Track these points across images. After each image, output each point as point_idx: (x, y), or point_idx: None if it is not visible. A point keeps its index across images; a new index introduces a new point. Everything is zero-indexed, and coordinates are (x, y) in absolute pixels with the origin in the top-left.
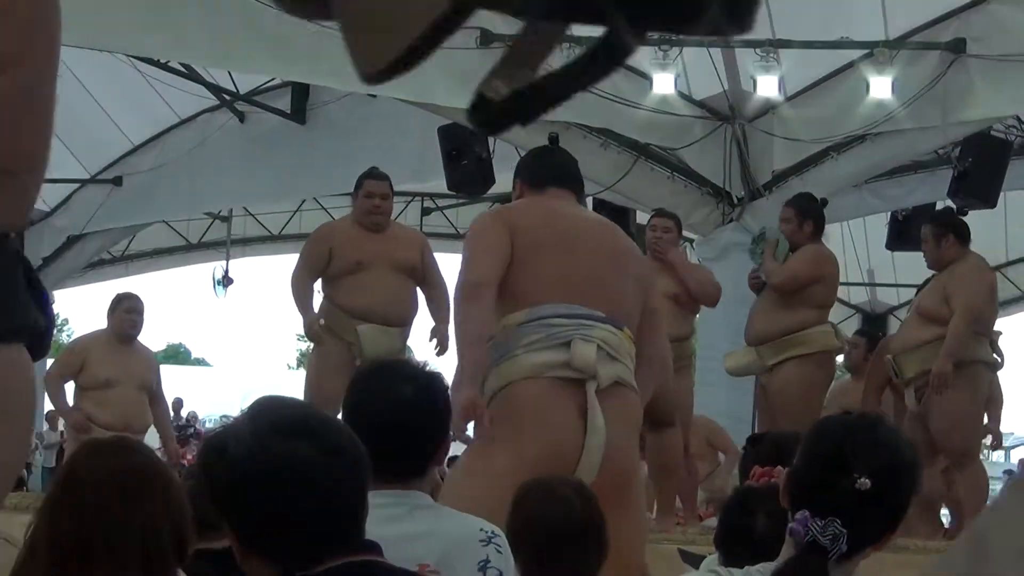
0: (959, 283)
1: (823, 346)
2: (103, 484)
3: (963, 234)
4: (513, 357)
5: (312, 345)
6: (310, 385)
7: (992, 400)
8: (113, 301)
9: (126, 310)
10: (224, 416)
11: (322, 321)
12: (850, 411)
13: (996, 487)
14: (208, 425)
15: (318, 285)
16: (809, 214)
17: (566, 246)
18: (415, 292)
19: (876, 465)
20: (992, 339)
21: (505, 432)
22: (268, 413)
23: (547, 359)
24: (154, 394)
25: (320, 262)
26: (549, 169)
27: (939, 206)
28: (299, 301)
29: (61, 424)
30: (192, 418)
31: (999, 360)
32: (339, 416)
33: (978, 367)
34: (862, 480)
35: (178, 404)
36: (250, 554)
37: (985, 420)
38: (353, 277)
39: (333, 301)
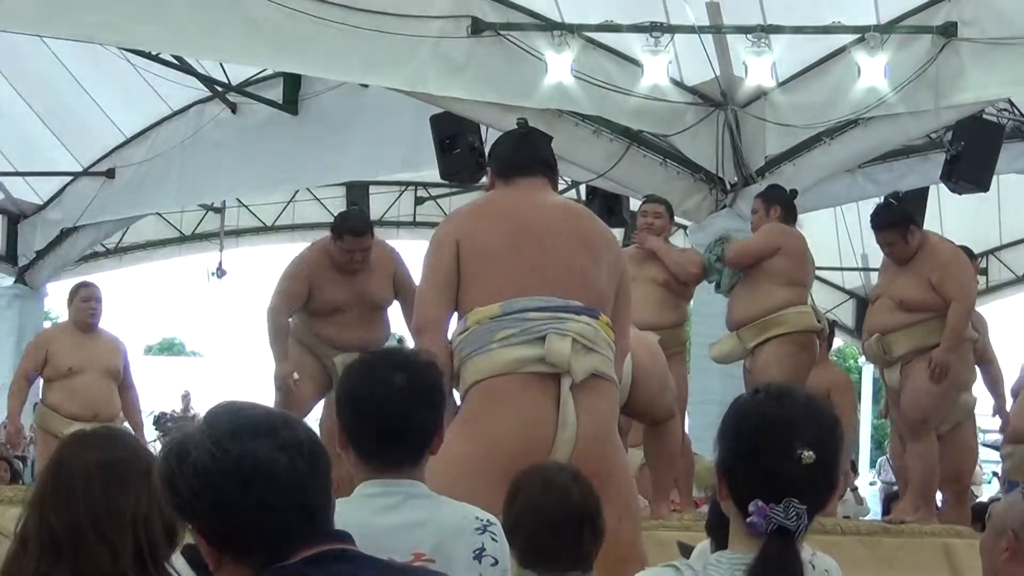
0: (946, 271)
1: (802, 325)
2: (92, 474)
3: (917, 219)
4: (488, 351)
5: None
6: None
7: (994, 380)
8: (71, 291)
9: (83, 299)
10: None
11: (295, 376)
12: (757, 389)
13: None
14: None
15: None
16: (775, 200)
17: (532, 239)
18: (387, 322)
19: (813, 434)
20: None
21: (479, 427)
22: (225, 416)
23: (522, 355)
24: (123, 381)
25: (298, 300)
26: (517, 158)
27: (932, 190)
28: (275, 341)
29: None
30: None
31: (976, 334)
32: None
33: (964, 344)
34: (807, 453)
35: (187, 398)
36: (222, 558)
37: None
38: (336, 315)
39: (311, 329)
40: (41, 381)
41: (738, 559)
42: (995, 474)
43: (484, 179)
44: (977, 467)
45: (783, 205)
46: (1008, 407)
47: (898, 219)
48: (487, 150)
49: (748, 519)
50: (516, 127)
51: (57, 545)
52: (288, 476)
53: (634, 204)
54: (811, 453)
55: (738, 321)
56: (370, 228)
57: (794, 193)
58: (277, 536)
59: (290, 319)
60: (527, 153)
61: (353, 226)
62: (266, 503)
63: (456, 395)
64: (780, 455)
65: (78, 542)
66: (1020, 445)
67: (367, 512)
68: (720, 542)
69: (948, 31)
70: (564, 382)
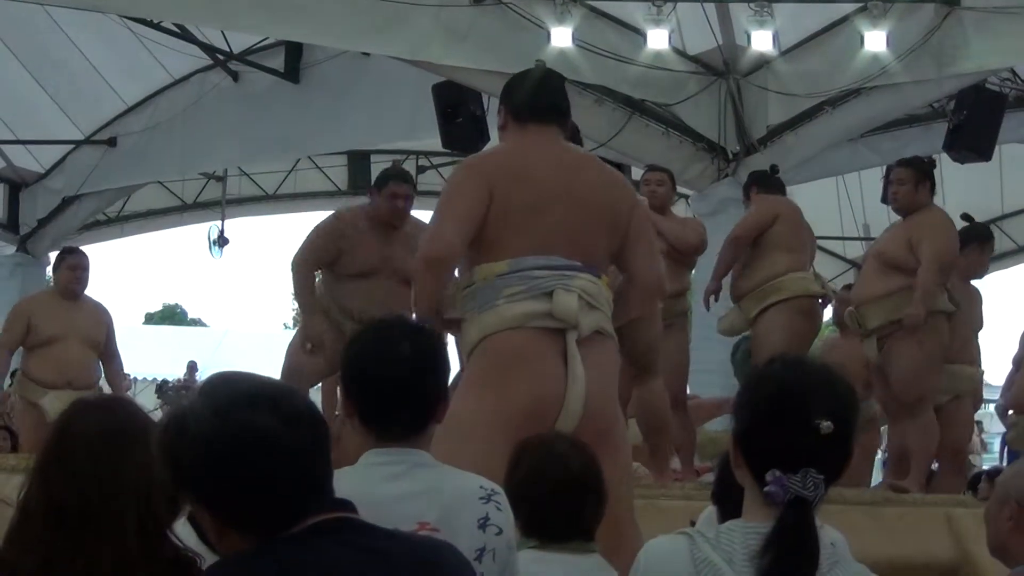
0: (928, 232)
1: (801, 291)
2: (94, 442)
3: (934, 186)
4: (494, 307)
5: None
6: (289, 354)
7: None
8: (57, 257)
9: (69, 267)
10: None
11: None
12: (773, 358)
13: None
14: None
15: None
16: (751, 182)
17: (545, 200)
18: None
19: (830, 404)
20: (948, 289)
21: (489, 381)
22: (223, 388)
23: (529, 309)
24: (105, 350)
25: (327, 257)
26: (533, 103)
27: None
28: (301, 293)
29: None
30: (191, 377)
31: (953, 307)
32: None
33: (940, 316)
34: (826, 424)
35: (192, 367)
36: (224, 529)
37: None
38: (362, 280)
39: (333, 294)
40: (21, 349)
41: (752, 528)
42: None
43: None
44: (974, 437)
45: (758, 183)
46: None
47: (922, 167)
48: (489, 119)
49: (765, 488)
50: (534, 67)
51: (60, 513)
52: (288, 446)
53: (636, 173)
54: (829, 423)
55: (740, 291)
56: (412, 179)
57: (774, 168)
58: (279, 507)
59: (316, 282)
60: (543, 99)
61: (399, 171)
62: (267, 473)
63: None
64: (798, 425)
65: (82, 511)
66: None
67: (372, 481)
68: (727, 511)
69: (951, 0)
70: (570, 337)
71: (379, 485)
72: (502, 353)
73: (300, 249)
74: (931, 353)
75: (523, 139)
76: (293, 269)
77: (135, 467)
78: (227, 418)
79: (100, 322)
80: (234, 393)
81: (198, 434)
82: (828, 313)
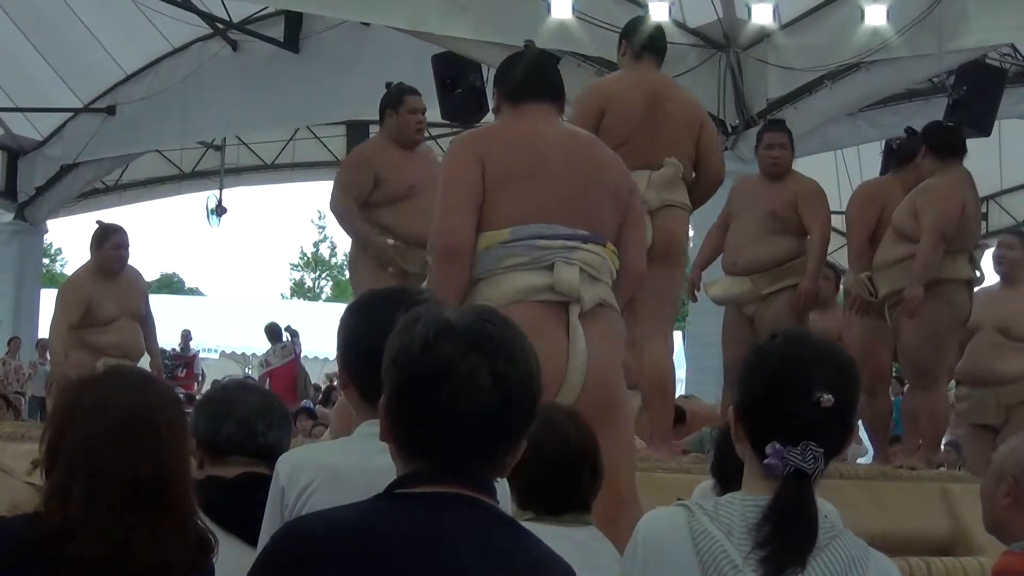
0: (928, 200)
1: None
2: (173, 420)
3: (938, 147)
4: (495, 277)
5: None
6: (363, 287)
7: None
8: (98, 234)
9: (114, 246)
10: (220, 347)
11: (390, 241)
12: (775, 333)
13: None
14: (203, 355)
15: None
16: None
17: (543, 168)
18: None
19: (831, 377)
20: (972, 254)
21: None
22: (492, 328)
23: (531, 282)
24: (143, 317)
25: (363, 189)
26: (526, 83)
27: None
28: (352, 223)
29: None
30: (185, 347)
31: (978, 275)
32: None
33: (949, 285)
34: (826, 397)
35: (187, 336)
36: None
37: None
38: (399, 204)
39: (380, 226)
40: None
41: (751, 500)
42: None
43: (485, 118)
44: None
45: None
46: None
47: (922, 133)
48: (488, 90)
49: (765, 461)
50: (523, 48)
51: (140, 490)
52: (480, 407)
53: None
54: (830, 396)
55: (754, 265)
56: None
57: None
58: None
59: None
60: (537, 78)
61: (406, 86)
62: (457, 415)
63: None
64: (798, 398)
65: (158, 488)
66: (975, 388)
67: (367, 452)
68: (725, 485)
69: None
70: (573, 310)
71: (374, 456)
72: None
73: (333, 193)
74: (938, 325)
75: (518, 115)
76: (335, 210)
77: (186, 447)
78: (455, 350)
79: (140, 291)
80: (483, 337)
81: (423, 341)
82: None
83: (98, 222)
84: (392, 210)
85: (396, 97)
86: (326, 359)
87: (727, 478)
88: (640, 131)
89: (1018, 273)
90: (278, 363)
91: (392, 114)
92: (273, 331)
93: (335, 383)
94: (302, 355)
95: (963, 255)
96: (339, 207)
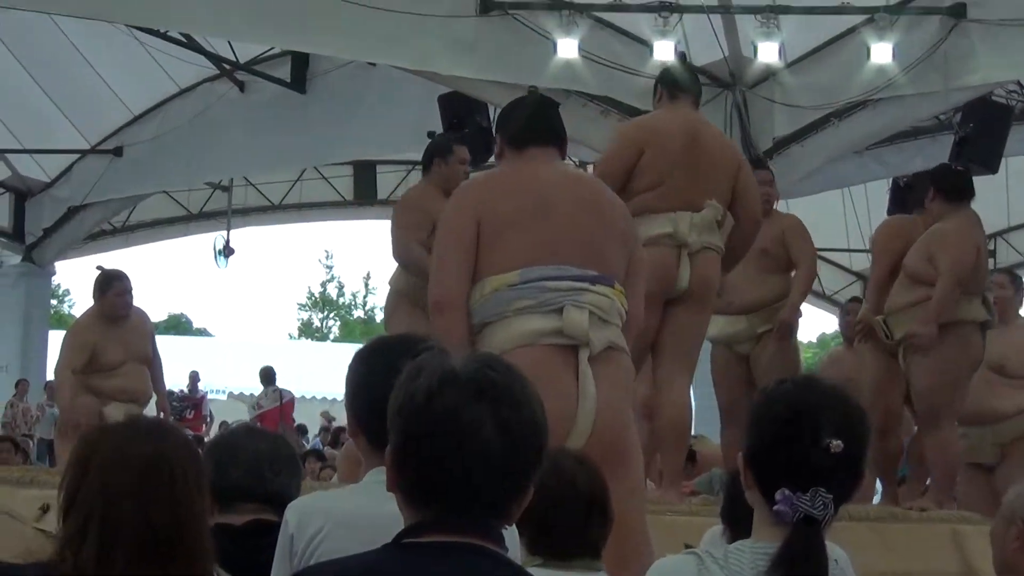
0: (942, 243)
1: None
2: (188, 467)
3: (946, 191)
4: (504, 320)
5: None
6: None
7: None
8: (100, 281)
9: (117, 293)
10: (228, 388)
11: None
12: (784, 379)
13: None
14: (211, 396)
15: None
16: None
17: (549, 208)
18: None
19: (840, 423)
20: (984, 295)
21: None
22: (497, 377)
23: (540, 326)
24: (150, 359)
25: (423, 232)
26: (529, 127)
27: None
28: (421, 263)
29: None
30: (193, 388)
31: (992, 318)
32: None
33: (964, 327)
34: (835, 443)
35: (195, 377)
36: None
37: None
38: None
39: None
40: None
41: (761, 548)
42: None
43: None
44: None
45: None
46: None
47: (929, 177)
48: (495, 130)
49: (775, 507)
50: (527, 95)
51: (154, 542)
52: (499, 451)
53: None
54: (839, 442)
55: (750, 304)
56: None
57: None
58: (439, 497)
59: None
60: (540, 123)
61: (454, 135)
62: (463, 464)
63: None
64: (807, 444)
65: (173, 536)
66: (972, 427)
67: (376, 499)
68: (736, 530)
69: (957, 12)
70: (582, 354)
71: (384, 503)
72: None
73: (395, 239)
74: (952, 367)
75: (522, 160)
76: (402, 255)
77: (204, 496)
78: (459, 400)
79: (147, 334)
80: (486, 385)
81: (427, 391)
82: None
83: (99, 268)
84: None
85: (446, 147)
86: (334, 400)
87: (737, 523)
88: (680, 170)
89: (1010, 311)
90: (269, 406)
91: (441, 163)
92: (267, 375)
93: (330, 422)
94: (309, 396)
95: (976, 297)
96: (403, 250)
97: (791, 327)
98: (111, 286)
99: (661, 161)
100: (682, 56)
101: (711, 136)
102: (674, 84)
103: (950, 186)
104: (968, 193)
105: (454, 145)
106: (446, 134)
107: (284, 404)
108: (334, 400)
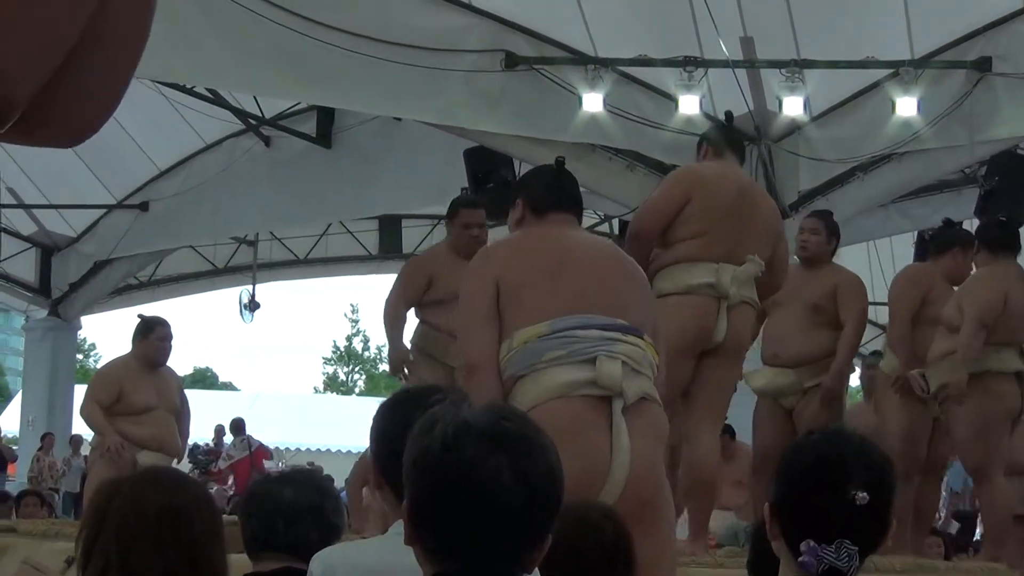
0: (968, 294)
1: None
2: (199, 524)
3: (989, 243)
4: (536, 373)
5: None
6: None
7: None
8: (142, 327)
9: (159, 338)
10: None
11: (411, 356)
12: (811, 430)
13: None
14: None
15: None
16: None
17: (572, 260)
18: None
19: (866, 476)
20: (1022, 347)
21: None
22: (509, 427)
23: (573, 378)
24: (179, 411)
25: (416, 291)
26: (552, 194)
27: (965, 226)
28: (392, 328)
29: (84, 450)
30: (218, 442)
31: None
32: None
33: (998, 378)
34: (861, 495)
35: (220, 431)
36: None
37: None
38: (452, 305)
39: (430, 324)
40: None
41: None
42: None
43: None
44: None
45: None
46: None
47: (979, 231)
48: (514, 196)
49: (800, 559)
50: (553, 163)
51: None
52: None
53: None
54: (865, 494)
55: (799, 358)
56: (484, 204)
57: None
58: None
59: (412, 323)
60: (558, 190)
61: (467, 198)
62: (479, 516)
63: None
64: (833, 495)
65: None
66: (1018, 477)
67: (400, 551)
68: None
69: (982, 66)
70: (616, 405)
71: (407, 555)
72: (551, 425)
73: (391, 291)
74: (987, 419)
75: (542, 223)
76: (385, 308)
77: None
78: (475, 452)
79: (177, 386)
80: (501, 436)
81: (442, 443)
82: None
83: (140, 316)
84: (439, 309)
85: (451, 209)
86: (359, 453)
87: (763, 574)
88: (726, 222)
89: None
90: (239, 455)
91: (449, 224)
92: (237, 425)
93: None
94: (335, 450)
95: (1010, 348)
96: (387, 305)
97: (837, 393)
98: (153, 330)
99: (709, 211)
100: (728, 115)
101: (760, 195)
102: (721, 142)
103: (991, 238)
104: (1008, 245)
105: (460, 208)
106: (459, 196)
107: (254, 453)
108: (360, 453)
